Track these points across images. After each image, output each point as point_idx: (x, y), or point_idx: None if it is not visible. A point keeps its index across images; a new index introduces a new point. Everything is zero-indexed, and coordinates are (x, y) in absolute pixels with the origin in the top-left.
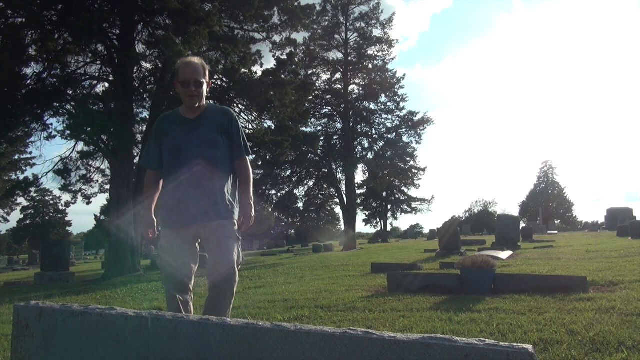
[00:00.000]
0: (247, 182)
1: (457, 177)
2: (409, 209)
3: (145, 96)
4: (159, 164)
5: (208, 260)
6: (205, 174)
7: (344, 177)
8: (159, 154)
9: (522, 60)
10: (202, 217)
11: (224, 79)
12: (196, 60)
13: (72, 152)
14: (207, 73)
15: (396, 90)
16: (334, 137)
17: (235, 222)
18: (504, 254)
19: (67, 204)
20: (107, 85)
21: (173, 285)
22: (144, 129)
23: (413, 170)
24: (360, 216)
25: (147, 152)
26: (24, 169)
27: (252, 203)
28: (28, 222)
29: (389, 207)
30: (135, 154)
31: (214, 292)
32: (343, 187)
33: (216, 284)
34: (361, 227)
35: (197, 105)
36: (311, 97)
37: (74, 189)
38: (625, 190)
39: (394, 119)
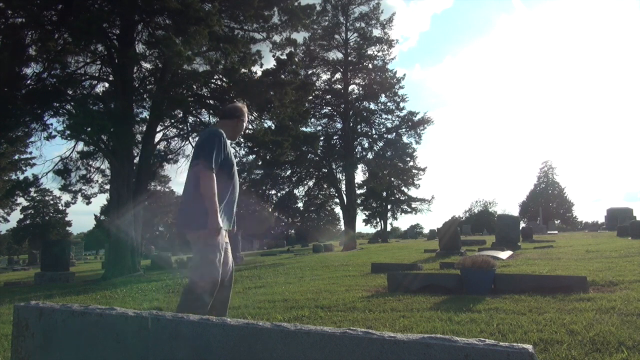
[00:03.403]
0: None
1: (457, 177)
2: (409, 209)
3: (145, 96)
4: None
5: (226, 261)
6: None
7: (344, 177)
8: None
9: (522, 61)
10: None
11: (224, 79)
12: None
13: (72, 152)
14: None
15: (396, 90)
16: (334, 137)
17: None
18: (504, 254)
19: (67, 204)
20: (107, 85)
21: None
22: (144, 129)
23: (413, 170)
24: (360, 216)
25: (218, 156)
26: (24, 169)
27: None
28: (28, 222)
29: (389, 207)
30: (136, 154)
31: (229, 288)
32: (343, 187)
33: (229, 282)
34: (361, 227)
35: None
36: (311, 97)
37: (74, 189)
38: (625, 190)
39: (393, 119)
